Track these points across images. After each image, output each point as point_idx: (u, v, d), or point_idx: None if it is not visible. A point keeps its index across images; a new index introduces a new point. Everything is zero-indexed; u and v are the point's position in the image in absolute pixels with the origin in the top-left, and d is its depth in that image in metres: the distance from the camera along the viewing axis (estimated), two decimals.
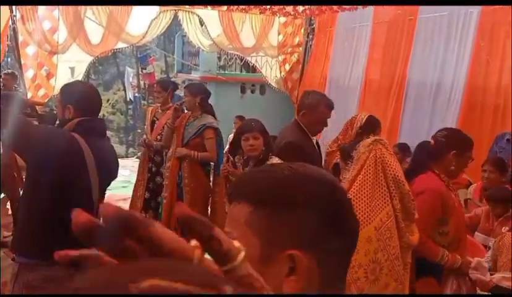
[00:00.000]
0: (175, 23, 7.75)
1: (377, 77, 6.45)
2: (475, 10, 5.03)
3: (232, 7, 6.89)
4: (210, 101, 4.29)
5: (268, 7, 6.87)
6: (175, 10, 6.88)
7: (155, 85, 4.86)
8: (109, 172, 2.30)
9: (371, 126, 3.08)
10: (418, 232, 2.21)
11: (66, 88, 2.33)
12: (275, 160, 2.81)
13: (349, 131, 3.12)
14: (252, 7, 6.92)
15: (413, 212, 2.12)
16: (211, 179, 4.26)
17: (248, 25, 7.30)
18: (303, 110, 3.08)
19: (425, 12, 5.57)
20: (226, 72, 9.47)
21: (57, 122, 2.36)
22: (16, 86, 6.49)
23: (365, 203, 1.99)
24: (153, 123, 4.54)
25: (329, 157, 3.41)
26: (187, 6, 6.85)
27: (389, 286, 1.98)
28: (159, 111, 4.54)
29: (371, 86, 6.53)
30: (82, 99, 2.19)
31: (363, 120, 3.12)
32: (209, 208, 4.22)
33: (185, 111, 4.18)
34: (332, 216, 0.70)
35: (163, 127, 4.24)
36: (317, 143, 3.33)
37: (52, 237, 1.84)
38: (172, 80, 7.30)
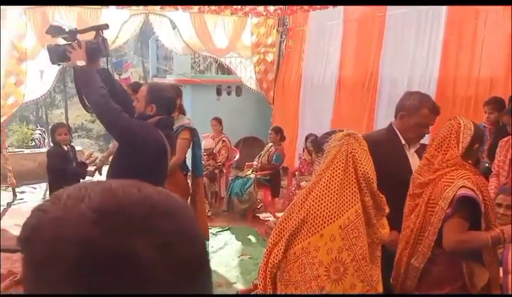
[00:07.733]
0: (149, 28, 7.65)
1: (350, 74, 6.47)
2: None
3: (203, 8, 6.83)
4: (187, 104, 4.26)
5: (240, 7, 6.83)
6: (146, 13, 6.79)
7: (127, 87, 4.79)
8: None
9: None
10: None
11: (152, 88, 2.85)
12: None
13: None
14: (223, 8, 6.87)
15: (384, 207, 2.08)
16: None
17: (220, 26, 7.24)
18: (402, 111, 2.64)
19: (394, 9, 5.61)
20: (201, 74, 9.39)
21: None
22: None
23: (331, 199, 1.90)
24: None
25: None
26: (158, 9, 6.76)
27: (356, 287, 1.89)
28: None
29: (345, 83, 6.55)
30: (165, 100, 2.78)
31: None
32: None
33: None
34: None
35: None
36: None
37: None
38: None
